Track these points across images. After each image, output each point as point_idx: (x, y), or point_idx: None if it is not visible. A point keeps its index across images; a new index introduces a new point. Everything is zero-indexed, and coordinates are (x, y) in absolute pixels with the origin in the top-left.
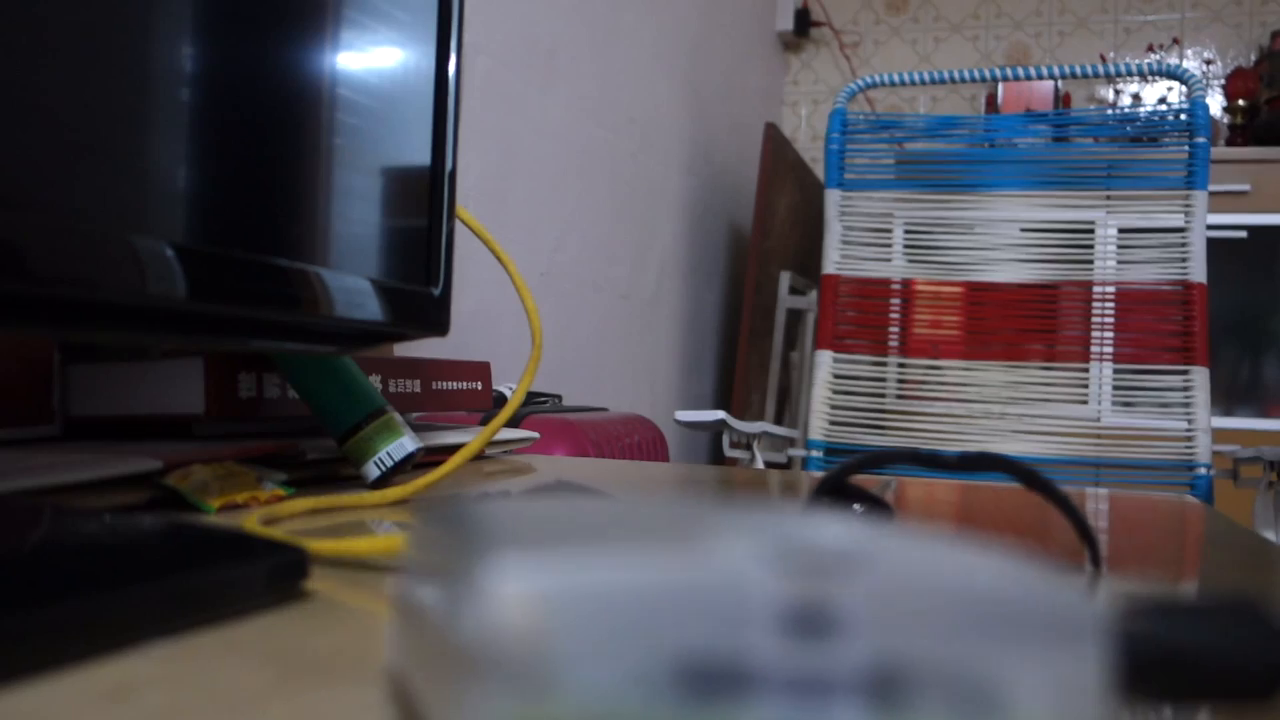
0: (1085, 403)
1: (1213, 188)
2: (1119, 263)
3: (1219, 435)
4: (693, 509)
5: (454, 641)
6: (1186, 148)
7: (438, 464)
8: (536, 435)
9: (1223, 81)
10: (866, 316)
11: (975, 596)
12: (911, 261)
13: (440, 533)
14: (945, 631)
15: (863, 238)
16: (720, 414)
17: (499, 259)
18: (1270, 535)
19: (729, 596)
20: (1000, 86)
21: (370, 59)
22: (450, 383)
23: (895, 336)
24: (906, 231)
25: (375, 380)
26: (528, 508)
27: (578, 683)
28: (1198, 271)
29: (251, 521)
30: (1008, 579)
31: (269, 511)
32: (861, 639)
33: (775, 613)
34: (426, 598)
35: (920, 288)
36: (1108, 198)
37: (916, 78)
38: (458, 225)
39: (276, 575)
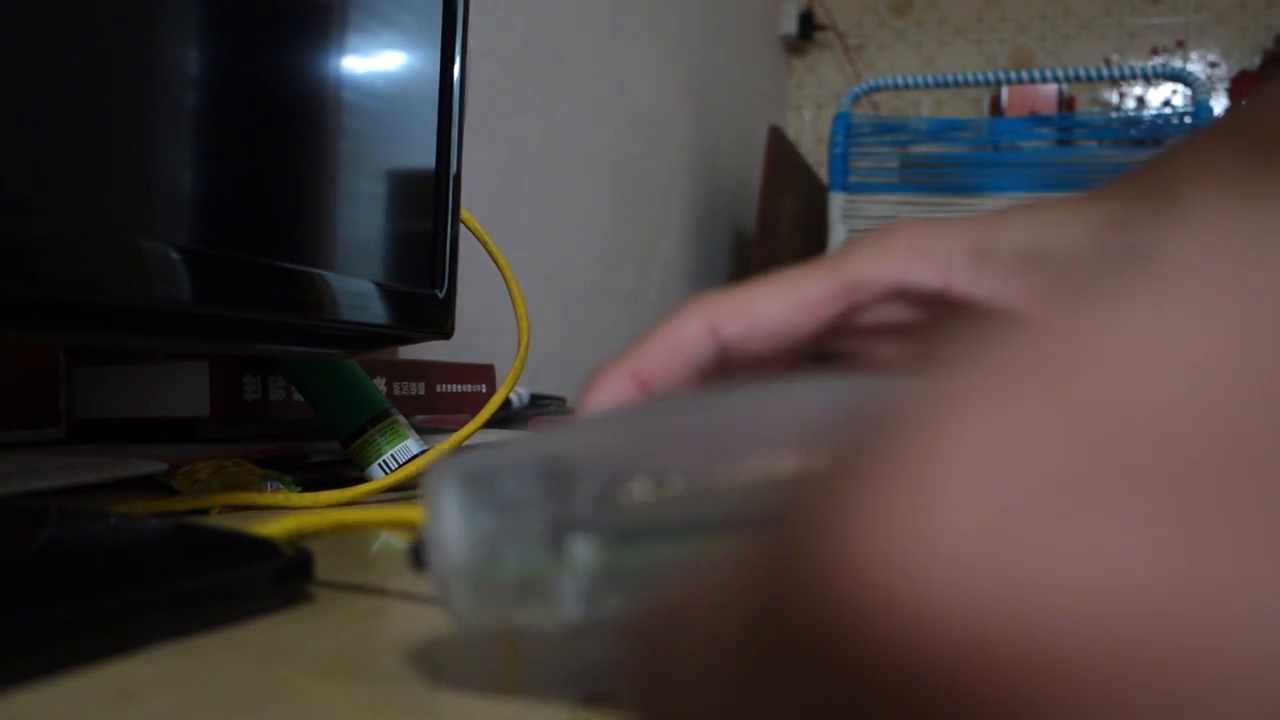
0: None
1: None
2: None
3: None
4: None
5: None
6: None
7: None
8: None
9: (1227, 84)
10: None
11: None
12: None
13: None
14: None
15: None
16: None
17: (492, 256)
18: None
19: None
20: (1004, 89)
21: (375, 63)
22: (455, 385)
23: None
24: None
25: (379, 383)
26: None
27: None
28: None
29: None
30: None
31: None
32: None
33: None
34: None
35: None
36: None
37: (920, 81)
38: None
39: (282, 577)
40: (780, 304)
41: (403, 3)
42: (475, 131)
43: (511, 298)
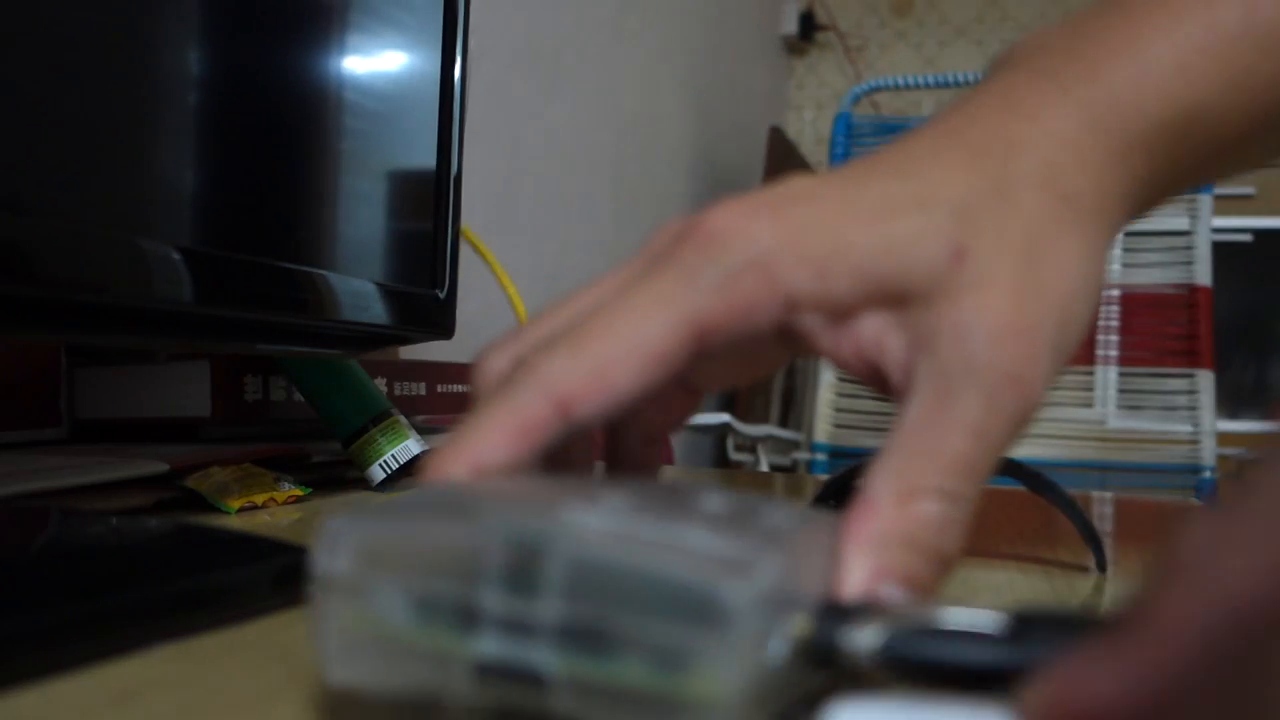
0: (1091, 406)
1: (1218, 191)
2: (1124, 266)
3: (1223, 438)
4: (474, 496)
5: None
6: None
7: None
8: None
9: None
10: None
11: (635, 571)
12: None
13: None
14: (621, 597)
15: None
16: (724, 416)
17: (489, 263)
18: None
19: (471, 555)
20: None
21: (376, 64)
22: (456, 385)
23: None
24: None
25: (380, 383)
26: (391, 500)
27: (379, 601)
28: (1203, 274)
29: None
30: (673, 560)
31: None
32: (560, 598)
33: (498, 571)
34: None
35: None
36: None
37: (921, 81)
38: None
39: (282, 577)
40: (640, 374)
41: (403, 3)
42: (475, 132)
43: (510, 301)
